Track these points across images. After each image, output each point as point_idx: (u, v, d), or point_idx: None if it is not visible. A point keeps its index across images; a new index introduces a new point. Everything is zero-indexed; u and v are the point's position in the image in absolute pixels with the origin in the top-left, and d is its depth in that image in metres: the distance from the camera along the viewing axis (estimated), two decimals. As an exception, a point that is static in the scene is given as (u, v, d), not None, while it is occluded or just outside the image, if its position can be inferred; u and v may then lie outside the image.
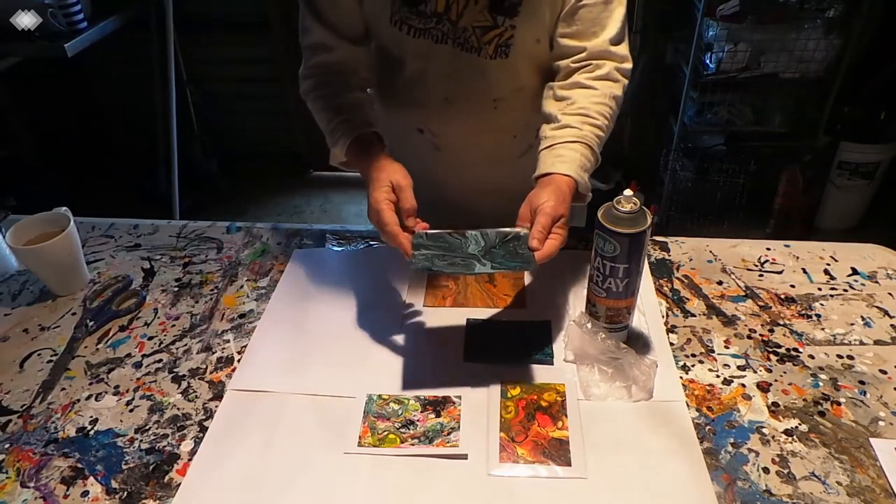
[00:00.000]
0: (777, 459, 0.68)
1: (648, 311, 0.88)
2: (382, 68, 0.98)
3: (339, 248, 1.03)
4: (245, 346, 0.85)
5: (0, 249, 1.00)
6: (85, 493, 0.67)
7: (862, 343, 0.82)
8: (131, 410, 0.77)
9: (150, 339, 0.87)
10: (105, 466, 0.70)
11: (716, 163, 2.38)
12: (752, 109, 2.35)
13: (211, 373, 0.81)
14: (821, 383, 0.76)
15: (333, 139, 0.90)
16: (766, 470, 0.67)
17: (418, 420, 0.73)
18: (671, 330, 0.85)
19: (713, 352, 0.81)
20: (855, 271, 0.94)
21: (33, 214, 0.95)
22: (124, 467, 0.70)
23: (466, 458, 0.69)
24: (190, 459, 0.70)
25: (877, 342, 0.82)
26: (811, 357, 0.80)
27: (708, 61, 2.22)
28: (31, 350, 0.86)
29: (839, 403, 0.74)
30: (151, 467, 0.69)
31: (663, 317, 0.87)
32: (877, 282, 0.92)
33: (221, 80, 2.93)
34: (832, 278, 0.93)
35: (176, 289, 0.96)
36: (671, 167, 2.43)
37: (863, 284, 0.92)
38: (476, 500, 0.65)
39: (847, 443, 0.69)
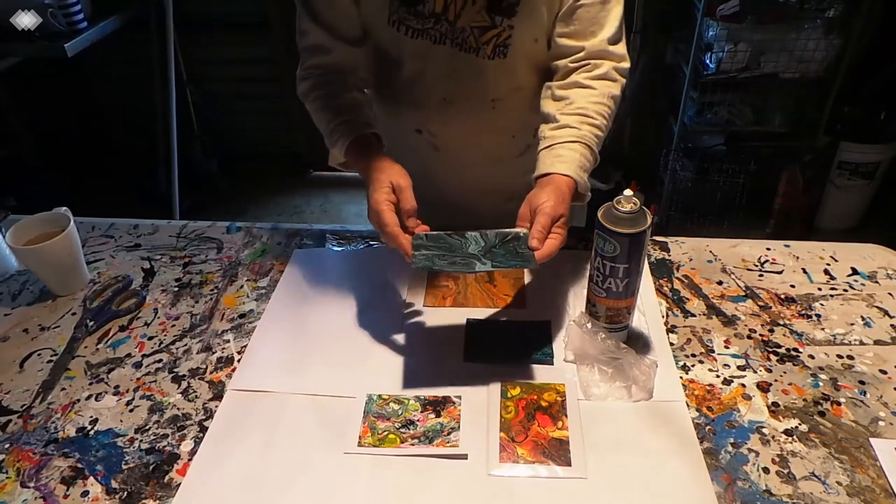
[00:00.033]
0: (777, 459, 0.68)
1: (648, 311, 0.88)
2: (380, 69, 0.98)
3: (339, 248, 1.03)
4: (245, 346, 0.85)
5: (0, 249, 1.00)
6: (85, 493, 0.67)
7: (862, 343, 0.82)
8: (131, 410, 0.77)
9: (150, 339, 0.87)
10: (105, 466, 0.70)
11: (716, 163, 2.38)
12: (752, 109, 2.35)
13: (211, 373, 0.81)
14: (821, 383, 0.76)
15: (332, 140, 0.90)
16: (766, 470, 0.67)
17: (418, 420, 0.73)
18: (671, 330, 0.85)
19: (713, 352, 0.81)
20: (855, 271, 0.94)
21: (33, 214, 0.95)
22: (124, 467, 0.70)
23: (466, 458, 0.69)
24: (190, 459, 0.70)
25: (877, 342, 0.82)
26: (811, 357, 0.80)
27: (708, 61, 2.22)
28: (31, 350, 0.86)
29: (839, 403, 0.74)
30: (151, 467, 0.69)
31: (663, 317, 0.87)
32: (877, 282, 0.92)
33: (221, 80, 2.93)
34: (832, 278, 0.93)
35: (176, 289, 0.96)
36: (671, 167, 2.43)
37: (863, 284, 0.92)
38: (476, 500, 0.65)
39: (847, 443, 0.69)
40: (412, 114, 1.00)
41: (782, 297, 0.90)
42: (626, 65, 0.91)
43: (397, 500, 0.66)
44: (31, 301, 0.95)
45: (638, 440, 0.70)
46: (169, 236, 1.08)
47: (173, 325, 0.89)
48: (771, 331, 0.84)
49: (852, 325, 0.85)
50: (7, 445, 0.73)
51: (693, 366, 0.79)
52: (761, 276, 0.94)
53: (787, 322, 0.86)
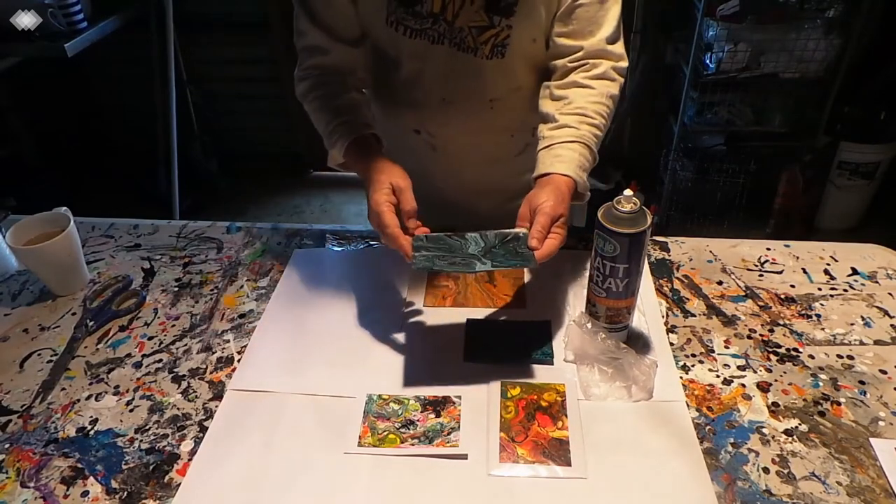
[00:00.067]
0: (777, 459, 0.68)
1: (648, 311, 0.88)
2: (378, 69, 0.98)
3: (339, 248, 1.03)
4: (245, 346, 0.85)
5: (0, 249, 1.00)
6: (85, 493, 0.67)
7: (862, 343, 0.82)
8: (131, 410, 0.77)
9: (150, 339, 0.87)
10: (105, 466, 0.70)
11: (716, 163, 2.38)
12: (752, 109, 2.35)
13: (211, 373, 0.81)
14: (821, 383, 0.76)
15: (331, 141, 0.89)
16: (766, 470, 0.67)
17: (418, 420, 0.73)
18: (671, 330, 0.85)
19: (713, 352, 0.81)
20: (855, 271, 0.94)
21: (33, 214, 0.95)
22: (124, 467, 0.70)
23: (466, 458, 0.69)
24: (190, 459, 0.70)
25: (877, 342, 0.82)
26: (811, 357, 0.80)
27: (708, 61, 2.22)
28: (31, 350, 0.86)
29: (839, 403, 0.74)
30: (151, 467, 0.69)
31: (663, 317, 0.87)
32: (877, 282, 0.92)
33: (221, 80, 2.93)
34: (832, 278, 0.93)
35: (176, 289, 0.96)
36: (671, 167, 2.43)
37: (863, 284, 0.92)
38: (476, 500, 0.65)
39: (847, 443, 0.69)
40: (410, 114, 1.00)
41: (782, 297, 0.90)
42: (625, 64, 0.91)
43: (397, 500, 0.66)
44: (31, 301, 0.95)
45: (638, 440, 0.70)
46: (169, 236, 1.08)
47: (173, 325, 0.89)
48: (771, 331, 0.84)
49: (852, 325, 0.85)
50: (7, 445, 0.73)
51: (693, 366, 0.79)
52: (761, 276, 0.94)
53: (787, 322, 0.86)
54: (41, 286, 0.97)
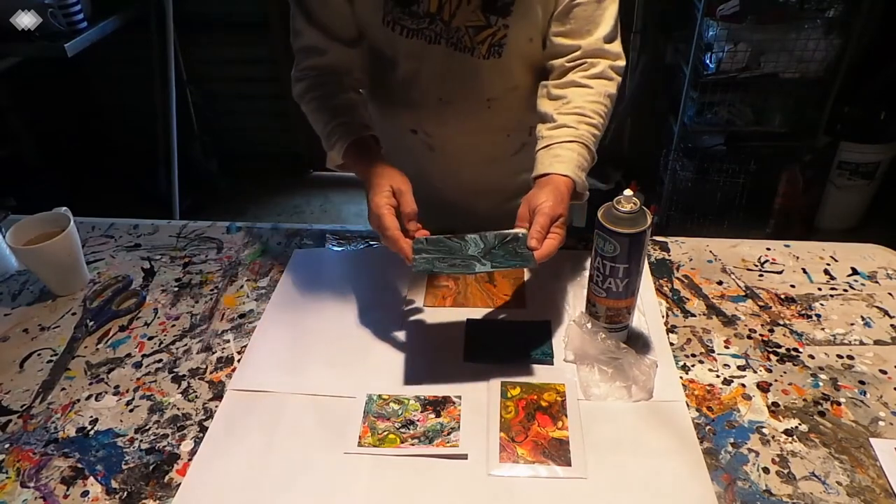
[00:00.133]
0: (777, 459, 0.68)
1: (648, 311, 0.88)
2: (375, 69, 0.98)
3: (339, 248, 1.03)
4: (245, 346, 0.85)
5: (0, 249, 1.00)
6: (85, 493, 0.67)
7: (862, 343, 0.82)
8: (131, 410, 0.77)
9: (150, 339, 0.87)
10: (105, 466, 0.70)
11: (716, 163, 2.38)
12: (752, 109, 2.35)
13: (211, 373, 0.81)
14: (821, 383, 0.76)
15: (330, 142, 0.89)
16: (766, 470, 0.67)
17: (418, 420, 0.73)
18: (671, 330, 0.85)
19: (713, 352, 0.81)
20: (855, 271, 0.94)
21: (33, 214, 0.95)
22: (124, 467, 0.70)
23: (466, 458, 0.69)
24: (190, 459, 0.70)
25: (877, 342, 0.82)
26: (811, 357, 0.80)
27: (708, 61, 2.22)
28: (31, 350, 0.86)
29: (839, 403, 0.74)
30: (151, 467, 0.69)
31: (663, 317, 0.87)
32: (877, 282, 0.92)
33: (221, 80, 2.93)
34: (832, 278, 0.93)
35: (176, 289, 0.96)
36: (671, 167, 2.43)
37: (863, 284, 0.92)
38: (476, 500, 0.65)
39: (847, 443, 0.69)
40: (407, 114, 1.00)
41: (782, 297, 0.90)
42: (622, 63, 0.91)
43: (397, 500, 0.66)
44: (31, 301, 0.95)
45: (638, 440, 0.70)
46: (169, 236, 1.08)
47: (173, 325, 0.89)
48: (771, 331, 0.84)
49: (852, 325, 0.85)
50: (7, 445, 0.73)
51: (693, 366, 0.79)
52: (761, 276, 0.94)
53: (787, 322, 0.86)
54: (41, 286, 0.97)
